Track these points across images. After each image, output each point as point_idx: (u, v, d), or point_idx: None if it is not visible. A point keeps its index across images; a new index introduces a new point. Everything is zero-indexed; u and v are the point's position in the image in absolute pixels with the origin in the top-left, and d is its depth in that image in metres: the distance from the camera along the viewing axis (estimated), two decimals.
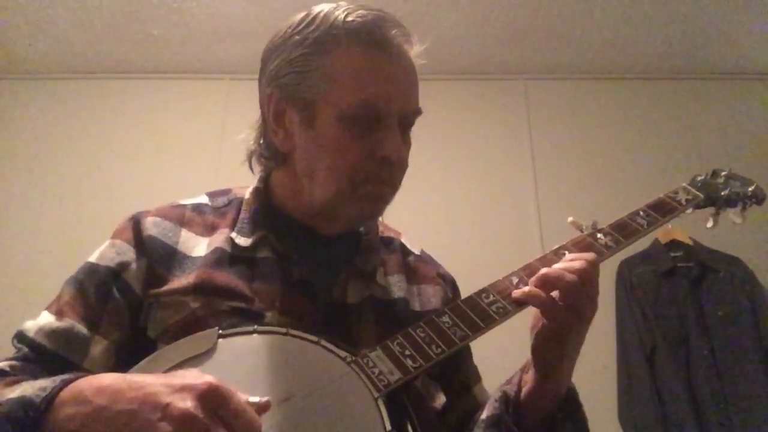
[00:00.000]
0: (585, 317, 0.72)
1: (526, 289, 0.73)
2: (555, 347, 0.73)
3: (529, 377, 0.77)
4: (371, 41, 0.77)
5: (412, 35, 0.81)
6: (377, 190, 0.79)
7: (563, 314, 0.71)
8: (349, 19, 0.77)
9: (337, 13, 0.78)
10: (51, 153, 2.65)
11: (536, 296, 0.72)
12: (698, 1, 2.38)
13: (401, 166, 0.80)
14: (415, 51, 0.82)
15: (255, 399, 0.57)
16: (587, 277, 0.72)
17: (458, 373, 0.90)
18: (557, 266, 0.73)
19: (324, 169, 0.78)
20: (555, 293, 0.72)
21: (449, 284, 0.95)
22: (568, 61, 2.75)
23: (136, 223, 0.82)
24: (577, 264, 0.73)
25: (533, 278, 0.74)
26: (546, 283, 0.72)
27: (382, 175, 0.78)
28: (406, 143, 0.81)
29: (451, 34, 2.55)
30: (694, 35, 2.57)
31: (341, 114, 0.75)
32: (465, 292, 0.93)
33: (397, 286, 0.86)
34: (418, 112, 0.82)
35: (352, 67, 0.76)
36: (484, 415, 0.79)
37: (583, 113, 2.77)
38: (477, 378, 0.93)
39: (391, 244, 0.93)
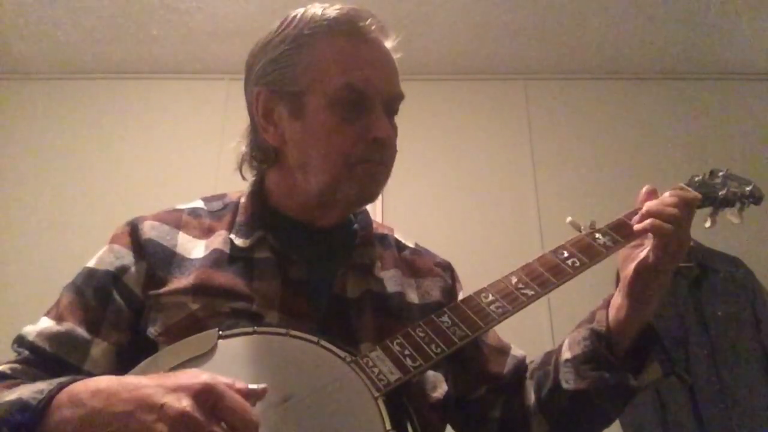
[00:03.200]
0: (685, 248, 0.77)
1: (650, 221, 0.77)
2: (658, 276, 0.77)
3: (619, 310, 0.80)
4: (350, 30, 0.81)
5: (387, 26, 0.85)
6: (373, 169, 0.81)
7: (673, 245, 0.76)
8: (327, 12, 0.82)
9: (313, 10, 0.83)
10: (51, 153, 2.65)
11: (659, 227, 0.76)
12: (698, 1, 2.38)
13: (392, 147, 0.83)
14: (391, 41, 0.85)
15: (253, 386, 0.58)
16: (692, 212, 0.79)
17: (489, 345, 0.92)
18: (670, 200, 0.79)
19: (318, 156, 0.79)
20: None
21: (447, 272, 0.96)
22: (568, 61, 2.75)
23: (133, 227, 0.82)
24: (688, 197, 0.79)
25: (646, 208, 0.79)
26: (658, 215, 0.77)
27: (375, 156, 0.80)
28: (394, 128, 0.84)
29: (451, 34, 2.55)
30: (694, 35, 2.57)
31: (329, 100, 0.78)
32: (465, 291, 0.93)
33: (392, 280, 0.87)
34: (400, 95, 0.84)
35: (335, 55, 0.80)
36: (568, 355, 0.81)
37: (583, 113, 2.77)
38: (508, 344, 0.95)
39: (385, 239, 0.94)
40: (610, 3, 2.39)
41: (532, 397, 0.86)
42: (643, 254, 0.78)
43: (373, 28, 0.82)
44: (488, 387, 0.89)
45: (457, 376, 0.86)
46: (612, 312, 0.81)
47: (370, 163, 0.80)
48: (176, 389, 0.53)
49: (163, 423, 0.51)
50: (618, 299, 0.81)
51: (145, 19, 2.45)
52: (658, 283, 0.78)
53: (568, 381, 0.80)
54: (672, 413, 2.02)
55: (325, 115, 0.78)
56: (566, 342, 0.84)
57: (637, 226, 0.79)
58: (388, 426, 0.63)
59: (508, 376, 0.90)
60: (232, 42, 2.55)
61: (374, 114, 0.79)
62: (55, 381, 0.60)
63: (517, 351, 0.94)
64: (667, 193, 0.81)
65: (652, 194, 0.83)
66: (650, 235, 0.78)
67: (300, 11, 0.83)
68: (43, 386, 0.60)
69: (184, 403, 0.52)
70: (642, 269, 0.78)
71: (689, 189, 0.90)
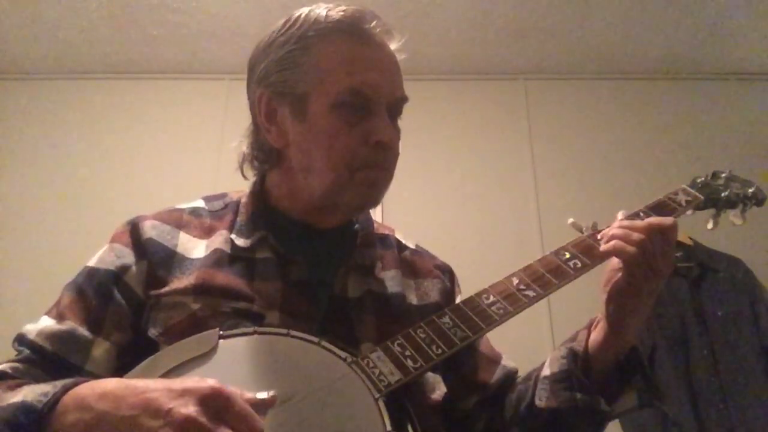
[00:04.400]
0: (660, 273, 0.76)
1: (612, 243, 0.76)
2: (630, 300, 0.76)
3: (599, 332, 0.80)
4: (354, 32, 0.80)
5: (391, 28, 0.84)
6: (374, 175, 0.80)
7: (643, 268, 0.74)
8: (331, 14, 0.81)
9: (318, 11, 0.82)
10: (50, 153, 2.65)
11: (621, 249, 0.75)
12: (698, 1, 2.38)
13: (394, 151, 0.82)
14: (396, 42, 0.84)
15: (263, 394, 0.58)
16: (664, 236, 0.76)
17: (480, 353, 0.92)
18: (638, 224, 0.77)
19: (320, 158, 0.79)
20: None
21: (447, 275, 0.95)
22: (568, 61, 2.75)
23: (134, 227, 0.82)
24: (654, 222, 0.77)
25: (612, 231, 0.78)
26: (622, 237, 0.76)
27: (378, 160, 0.79)
28: (397, 131, 0.83)
29: (451, 34, 2.55)
30: (694, 35, 2.57)
31: (332, 102, 0.77)
32: (465, 292, 0.93)
33: (393, 281, 0.87)
34: (404, 99, 0.84)
35: (339, 57, 0.79)
36: (547, 372, 0.81)
37: (583, 113, 2.77)
38: (500, 354, 0.95)
39: (386, 239, 0.94)
40: (610, 3, 2.39)
41: (511, 410, 0.85)
42: (616, 279, 0.78)
43: (377, 30, 0.81)
44: (478, 399, 0.88)
45: (447, 381, 0.86)
46: (593, 334, 0.81)
47: (372, 169, 0.79)
48: (183, 394, 0.53)
49: (169, 428, 0.51)
50: (599, 323, 0.81)
51: (145, 19, 2.45)
52: (633, 308, 0.77)
53: (541, 398, 0.79)
54: (672, 413, 2.02)
55: (329, 118, 0.78)
56: (548, 359, 0.84)
57: (602, 247, 0.79)
58: (389, 427, 0.63)
59: (494, 386, 0.89)
60: (232, 42, 2.55)
61: (378, 117, 0.79)
62: (60, 383, 0.60)
63: (508, 362, 0.93)
64: (649, 219, 0.79)
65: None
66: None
67: (304, 12, 0.82)
68: (47, 388, 0.60)
69: (191, 408, 0.52)
70: (615, 292, 0.77)
71: (691, 190, 0.90)
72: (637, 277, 0.75)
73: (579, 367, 0.78)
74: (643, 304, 0.77)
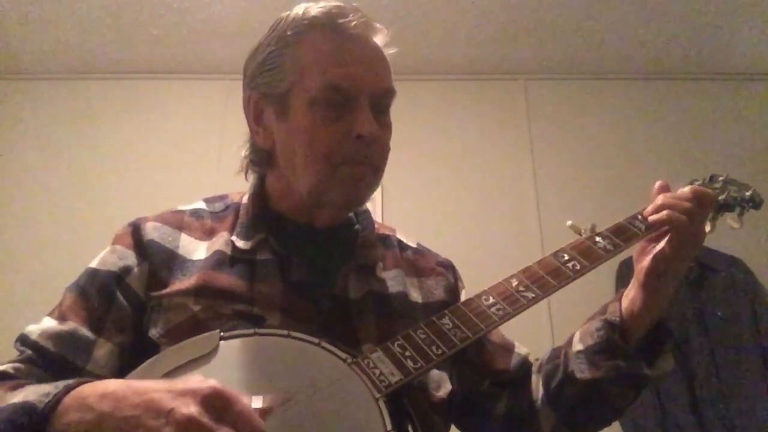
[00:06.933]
0: (700, 239, 0.81)
1: (666, 212, 0.79)
2: (672, 267, 0.80)
3: (633, 301, 0.82)
4: (331, 27, 0.80)
5: (373, 21, 0.83)
6: (357, 171, 0.79)
7: (689, 235, 0.79)
8: (308, 11, 0.81)
9: (297, 10, 0.82)
10: (51, 154, 2.65)
11: (674, 218, 0.78)
12: (699, 1, 2.38)
13: (379, 145, 0.81)
14: (380, 36, 0.84)
15: (258, 404, 0.58)
16: (703, 205, 0.81)
17: (493, 343, 0.93)
18: (684, 194, 0.82)
19: (302, 155, 0.79)
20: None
21: (450, 270, 0.96)
22: (568, 61, 2.75)
23: (136, 228, 0.82)
24: (697, 191, 0.82)
25: (659, 202, 0.81)
26: (673, 207, 0.80)
27: (360, 155, 0.78)
28: (385, 125, 0.82)
29: (451, 34, 2.55)
30: (694, 35, 2.57)
31: (311, 99, 0.78)
32: (465, 292, 0.93)
33: (395, 280, 0.87)
34: (389, 91, 0.83)
35: (316, 53, 0.79)
36: (580, 347, 0.82)
37: (583, 113, 2.77)
38: (512, 342, 0.96)
39: (387, 240, 0.94)
40: (610, 3, 2.39)
41: (540, 390, 0.87)
42: (659, 247, 0.80)
43: (353, 24, 0.80)
44: (491, 381, 0.90)
45: (461, 375, 0.87)
46: (625, 303, 0.83)
47: (354, 164, 0.78)
48: (184, 394, 0.54)
49: (171, 428, 0.51)
50: (632, 291, 0.83)
51: (145, 19, 2.45)
52: (672, 276, 0.80)
53: (582, 371, 0.81)
54: (672, 413, 2.02)
55: (308, 114, 0.78)
56: (577, 335, 0.85)
57: (652, 218, 0.81)
58: (389, 427, 0.63)
59: (513, 372, 0.91)
60: (232, 42, 2.55)
61: (359, 111, 0.78)
62: (62, 383, 0.60)
63: (521, 348, 0.95)
64: (687, 188, 0.83)
65: (665, 189, 0.85)
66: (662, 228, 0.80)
67: (287, 13, 0.83)
68: (49, 389, 0.60)
69: (192, 408, 0.52)
70: (657, 261, 0.80)
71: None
72: (684, 244, 0.78)
73: (617, 336, 0.80)
74: (682, 270, 0.82)
